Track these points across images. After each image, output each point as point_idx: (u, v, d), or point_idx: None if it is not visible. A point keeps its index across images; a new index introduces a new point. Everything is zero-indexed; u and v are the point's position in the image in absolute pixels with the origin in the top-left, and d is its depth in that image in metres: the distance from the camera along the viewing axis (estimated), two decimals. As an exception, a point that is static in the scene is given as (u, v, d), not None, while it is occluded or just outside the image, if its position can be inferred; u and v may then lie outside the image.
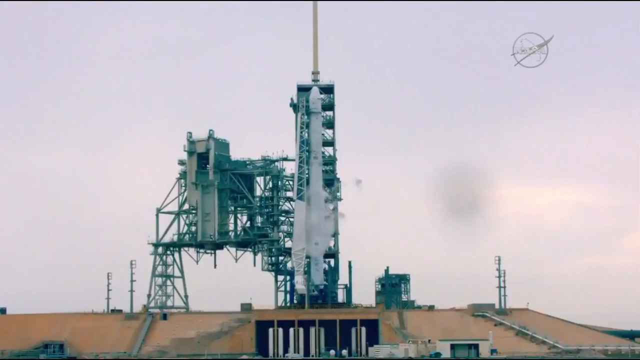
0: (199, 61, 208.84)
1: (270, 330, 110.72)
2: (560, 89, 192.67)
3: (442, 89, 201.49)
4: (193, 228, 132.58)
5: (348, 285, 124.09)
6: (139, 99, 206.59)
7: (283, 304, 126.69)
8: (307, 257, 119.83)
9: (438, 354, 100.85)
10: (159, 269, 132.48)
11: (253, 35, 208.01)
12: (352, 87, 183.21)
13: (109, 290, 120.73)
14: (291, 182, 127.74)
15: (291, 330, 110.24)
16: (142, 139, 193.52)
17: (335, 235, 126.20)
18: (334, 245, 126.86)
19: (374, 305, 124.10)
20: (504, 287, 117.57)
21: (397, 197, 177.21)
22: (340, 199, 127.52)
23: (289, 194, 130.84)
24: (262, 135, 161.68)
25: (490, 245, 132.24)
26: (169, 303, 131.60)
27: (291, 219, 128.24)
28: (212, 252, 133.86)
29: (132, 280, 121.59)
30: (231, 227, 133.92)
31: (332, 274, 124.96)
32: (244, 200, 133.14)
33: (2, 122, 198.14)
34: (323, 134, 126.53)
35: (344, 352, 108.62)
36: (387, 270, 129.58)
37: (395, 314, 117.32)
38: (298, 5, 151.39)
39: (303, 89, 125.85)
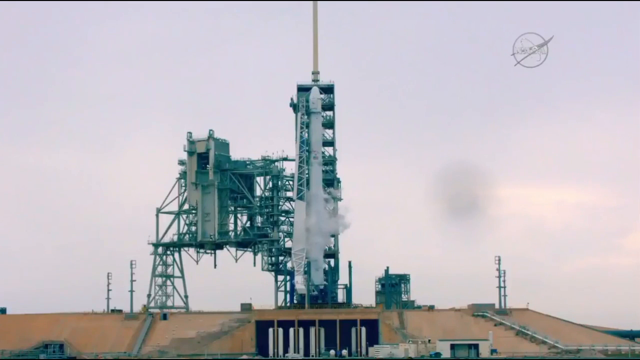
0: (199, 61, 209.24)
1: (270, 330, 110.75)
2: (560, 89, 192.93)
3: (442, 89, 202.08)
4: (193, 228, 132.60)
5: (348, 285, 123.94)
6: (139, 99, 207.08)
7: (283, 304, 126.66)
8: (307, 257, 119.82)
9: (438, 354, 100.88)
10: (159, 269, 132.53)
11: (253, 35, 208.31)
12: (352, 87, 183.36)
13: (109, 290, 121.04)
14: (291, 182, 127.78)
15: (291, 330, 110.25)
16: (142, 139, 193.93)
17: (335, 235, 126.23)
18: (334, 245, 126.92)
19: (374, 305, 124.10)
20: (504, 287, 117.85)
21: (397, 197, 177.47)
22: (340, 199, 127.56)
23: (289, 194, 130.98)
24: (262, 135, 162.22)
25: (490, 245, 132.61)
26: (169, 303, 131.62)
27: (291, 219, 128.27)
28: (212, 252, 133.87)
29: (132, 280, 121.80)
30: (231, 227, 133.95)
31: (332, 274, 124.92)
32: (244, 200, 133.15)
33: (2, 122, 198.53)
34: (323, 134, 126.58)
35: (344, 352, 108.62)
36: (387, 270, 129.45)
37: (395, 314, 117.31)
38: (298, 5, 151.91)
39: (303, 89, 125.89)
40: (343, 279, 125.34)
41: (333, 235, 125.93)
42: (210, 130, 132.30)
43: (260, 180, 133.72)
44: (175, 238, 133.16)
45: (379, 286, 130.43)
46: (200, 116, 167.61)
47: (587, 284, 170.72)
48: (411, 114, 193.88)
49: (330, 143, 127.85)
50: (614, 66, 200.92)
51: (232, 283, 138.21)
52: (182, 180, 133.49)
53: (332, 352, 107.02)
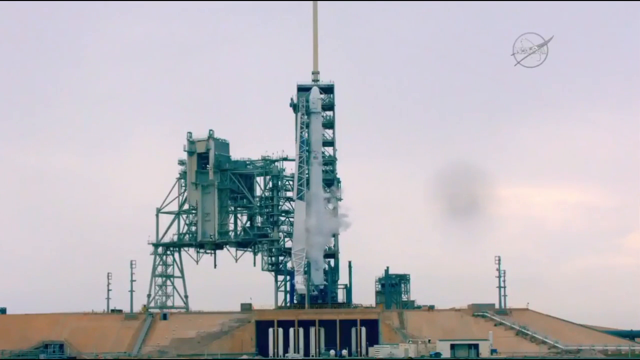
0: (199, 61, 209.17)
1: (270, 330, 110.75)
2: (560, 89, 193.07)
3: (442, 89, 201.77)
4: (193, 228, 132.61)
5: (348, 285, 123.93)
6: (139, 99, 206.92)
7: (283, 304, 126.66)
8: (307, 257, 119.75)
9: (438, 354, 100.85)
10: (159, 269, 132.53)
11: (253, 35, 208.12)
12: (352, 87, 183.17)
13: (109, 290, 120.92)
14: (291, 182, 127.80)
15: (291, 330, 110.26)
16: (142, 139, 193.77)
17: (335, 235, 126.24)
18: (334, 245, 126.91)
19: (374, 305, 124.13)
20: (504, 287, 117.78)
21: (397, 197, 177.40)
22: (340, 199, 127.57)
23: (289, 194, 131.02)
24: (262, 135, 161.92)
25: (490, 245, 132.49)
26: (169, 303, 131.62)
27: (291, 219, 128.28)
28: (212, 252, 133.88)
29: (132, 280, 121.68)
30: (231, 227, 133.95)
31: (332, 274, 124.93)
32: (244, 200, 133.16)
33: (2, 122, 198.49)
34: (323, 134, 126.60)
35: (344, 352, 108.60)
36: (387, 270, 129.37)
37: (395, 314, 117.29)
38: (298, 5, 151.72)
39: (303, 89, 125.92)
40: (343, 279, 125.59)
41: (334, 235, 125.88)
42: (210, 130, 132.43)
43: (260, 180, 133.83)
44: (175, 238, 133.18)
45: (379, 286, 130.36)
46: (200, 116, 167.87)
47: (587, 284, 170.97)
48: (411, 113, 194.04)
49: (330, 143, 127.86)
50: (614, 66, 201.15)
51: (232, 283, 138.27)
52: (182, 180, 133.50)
53: (332, 352, 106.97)
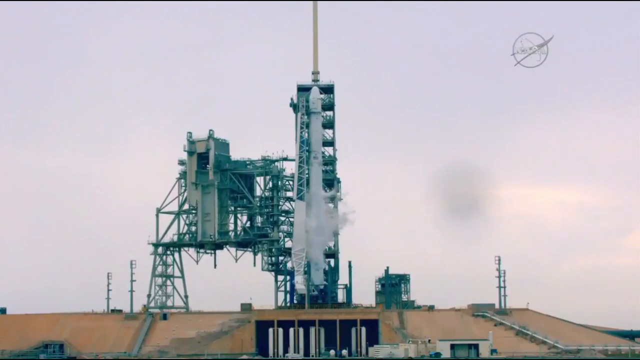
0: (199, 61, 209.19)
1: (270, 330, 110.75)
2: (560, 89, 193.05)
3: (442, 89, 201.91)
4: (193, 228, 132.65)
5: (348, 285, 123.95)
6: (139, 99, 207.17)
7: (283, 304, 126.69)
8: (307, 257, 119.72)
9: (438, 354, 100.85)
10: (159, 269, 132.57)
11: (253, 35, 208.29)
12: (352, 87, 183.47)
13: (109, 290, 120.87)
14: (291, 182, 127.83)
15: (291, 330, 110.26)
16: (142, 139, 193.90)
17: (335, 235, 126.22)
18: (334, 245, 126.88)
19: (374, 305, 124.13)
20: (504, 287, 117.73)
21: (397, 197, 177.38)
22: (340, 199, 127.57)
23: (289, 194, 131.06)
24: (262, 135, 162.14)
25: (490, 245, 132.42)
26: (169, 303, 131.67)
27: (291, 219, 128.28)
28: (212, 252, 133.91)
29: (132, 280, 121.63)
30: (231, 227, 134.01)
31: (332, 274, 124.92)
32: (244, 200, 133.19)
33: (2, 122, 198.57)
34: (323, 134, 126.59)
35: (344, 352, 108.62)
36: (387, 270, 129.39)
37: (395, 314, 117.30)
38: (298, 5, 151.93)
39: (303, 89, 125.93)
40: (343, 279, 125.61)
41: (335, 234, 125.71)
42: (210, 130, 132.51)
43: (260, 180, 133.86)
44: (175, 238, 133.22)
45: (379, 286, 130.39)
46: (200, 116, 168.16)
47: (586, 283, 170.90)
48: (411, 113, 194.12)
49: (330, 143, 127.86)
50: (614, 66, 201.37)
51: (232, 283, 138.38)
52: (182, 180, 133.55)
53: (332, 352, 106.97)
